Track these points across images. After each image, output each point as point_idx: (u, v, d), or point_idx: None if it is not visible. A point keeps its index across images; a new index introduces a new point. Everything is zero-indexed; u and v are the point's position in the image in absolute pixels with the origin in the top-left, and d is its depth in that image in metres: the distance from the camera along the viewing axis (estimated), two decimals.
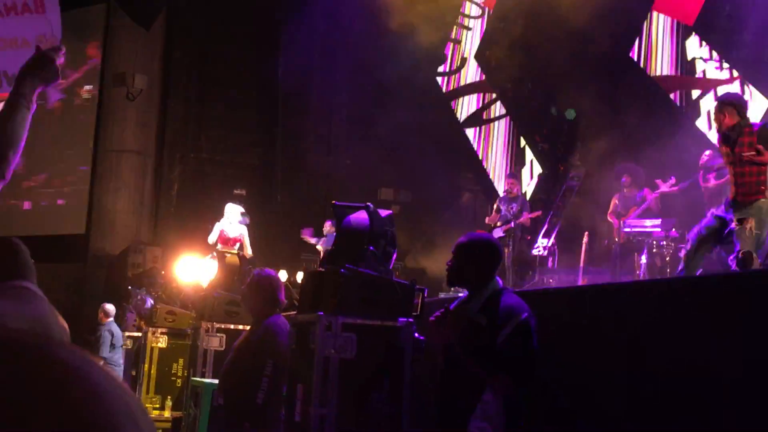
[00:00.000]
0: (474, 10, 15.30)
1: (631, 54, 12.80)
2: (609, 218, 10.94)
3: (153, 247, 14.51)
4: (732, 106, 6.92)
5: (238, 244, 11.64)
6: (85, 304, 13.26)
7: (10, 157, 2.38)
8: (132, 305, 11.34)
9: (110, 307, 11.39)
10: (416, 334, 4.86)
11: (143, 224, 15.17)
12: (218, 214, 14.03)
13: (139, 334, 10.50)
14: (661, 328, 4.59)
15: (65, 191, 15.91)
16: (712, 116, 7.02)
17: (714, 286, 4.78)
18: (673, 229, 9.69)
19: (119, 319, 11.43)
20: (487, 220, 11.88)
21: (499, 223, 11.47)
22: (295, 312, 6.20)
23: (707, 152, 9.40)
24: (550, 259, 11.51)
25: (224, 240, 11.59)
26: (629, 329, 4.79)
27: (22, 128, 2.42)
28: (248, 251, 11.78)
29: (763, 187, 6.61)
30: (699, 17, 12.05)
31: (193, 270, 11.54)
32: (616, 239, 10.67)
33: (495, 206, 11.79)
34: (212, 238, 11.57)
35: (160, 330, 9.61)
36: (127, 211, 14.98)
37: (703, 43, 11.87)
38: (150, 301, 10.70)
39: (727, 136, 6.87)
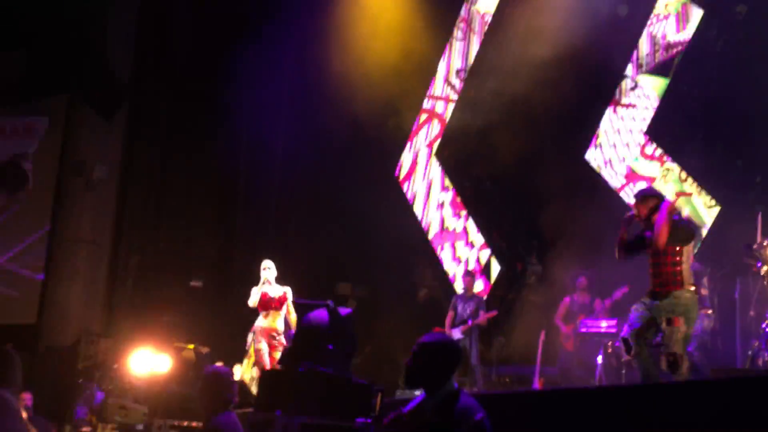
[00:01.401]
0: (439, 106, 15.58)
1: (585, 157, 13.12)
2: (557, 322, 11.06)
3: (106, 338, 14.24)
4: (655, 197, 7.15)
5: (285, 306, 10.07)
6: (35, 396, 12.91)
7: None
8: (82, 399, 11.08)
9: None
10: None
11: (96, 315, 14.91)
12: (175, 306, 13.89)
13: (89, 429, 10.24)
14: None
15: (17, 279, 15.66)
16: (635, 210, 7.16)
17: (673, 394, 4.83)
18: None
19: (68, 413, 11.15)
20: (447, 322, 11.83)
21: (456, 323, 11.55)
22: (251, 410, 6.12)
23: None
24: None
25: (266, 303, 10.02)
26: None
27: None
28: (292, 315, 10.04)
29: (679, 278, 6.75)
30: (652, 123, 12.46)
31: (147, 363, 11.33)
32: (565, 344, 10.79)
33: (452, 304, 11.84)
34: (253, 300, 10.08)
35: (110, 425, 9.39)
36: (80, 301, 14.73)
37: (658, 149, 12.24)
38: (101, 395, 10.48)
39: (649, 224, 7.03)
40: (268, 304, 9.98)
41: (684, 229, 6.93)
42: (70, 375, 13.08)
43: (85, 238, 14.90)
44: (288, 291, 10.14)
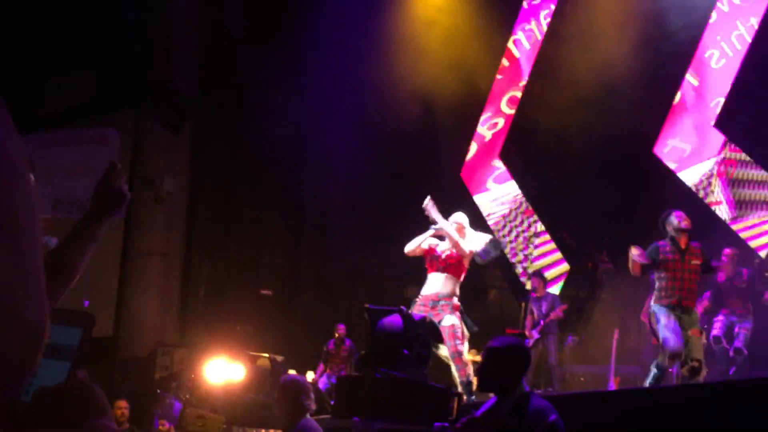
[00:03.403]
0: (503, 105, 15.50)
1: (654, 150, 12.94)
2: (643, 318, 10.92)
3: (180, 348, 14.46)
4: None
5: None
6: (113, 408, 13.17)
7: (63, 288, 2.33)
8: (161, 409, 11.24)
9: None
10: None
11: (170, 326, 15.16)
12: (246, 315, 14.01)
13: None
14: None
15: (93, 293, 15.97)
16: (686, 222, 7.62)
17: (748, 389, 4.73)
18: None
19: (148, 423, 11.33)
20: (527, 325, 11.85)
21: (535, 324, 11.54)
22: (329, 416, 6.16)
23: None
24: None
25: (431, 260, 7.85)
26: None
27: (84, 261, 2.41)
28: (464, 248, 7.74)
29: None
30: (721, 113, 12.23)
31: (222, 372, 11.44)
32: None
33: (528, 308, 11.82)
34: (409, 247, 7.90)
35: None
36: (154, 313, 14.99)
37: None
38: (178, 405, 10.62)
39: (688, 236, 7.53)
40: (433, 263, 7.79)
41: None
42: (148, 385, 13.31)
43: (157, 251, 15.16)
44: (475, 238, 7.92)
